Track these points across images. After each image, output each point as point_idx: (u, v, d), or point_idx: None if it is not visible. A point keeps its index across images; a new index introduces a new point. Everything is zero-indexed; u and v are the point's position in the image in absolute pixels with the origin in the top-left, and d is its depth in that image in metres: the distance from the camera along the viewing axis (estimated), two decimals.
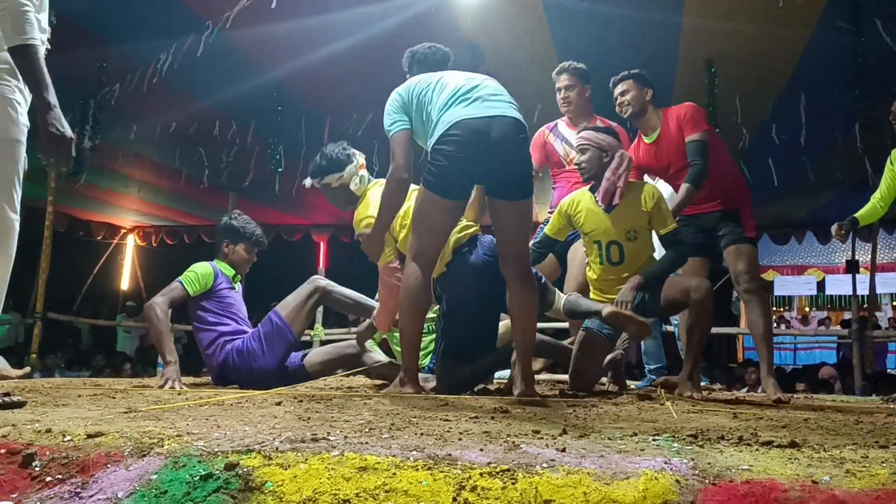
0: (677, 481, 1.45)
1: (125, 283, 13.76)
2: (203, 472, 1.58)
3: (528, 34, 6.07)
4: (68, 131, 2.38)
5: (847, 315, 12.92)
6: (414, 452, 1.61)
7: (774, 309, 15.00)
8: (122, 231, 13.47)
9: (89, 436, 1.80)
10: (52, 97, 2.37)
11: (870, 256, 9.73)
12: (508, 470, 1.51)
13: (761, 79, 6.35)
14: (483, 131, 2.94)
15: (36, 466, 1.66)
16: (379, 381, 4.01)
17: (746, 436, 1.87)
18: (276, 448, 1.66)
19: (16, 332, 10.50)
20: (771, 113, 6.64)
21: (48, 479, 1.62)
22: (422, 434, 1.86)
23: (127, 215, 12.67)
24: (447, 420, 2.18)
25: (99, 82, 7.10)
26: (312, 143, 7.54)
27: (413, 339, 3.17)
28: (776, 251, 13.27)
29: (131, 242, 13.65)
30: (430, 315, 3.73)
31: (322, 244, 13.20)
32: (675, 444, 1.76)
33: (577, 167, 3.80)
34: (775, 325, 13.93)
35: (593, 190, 3.73)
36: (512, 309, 3.16)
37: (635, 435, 1.90)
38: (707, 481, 1.45)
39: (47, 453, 1.70)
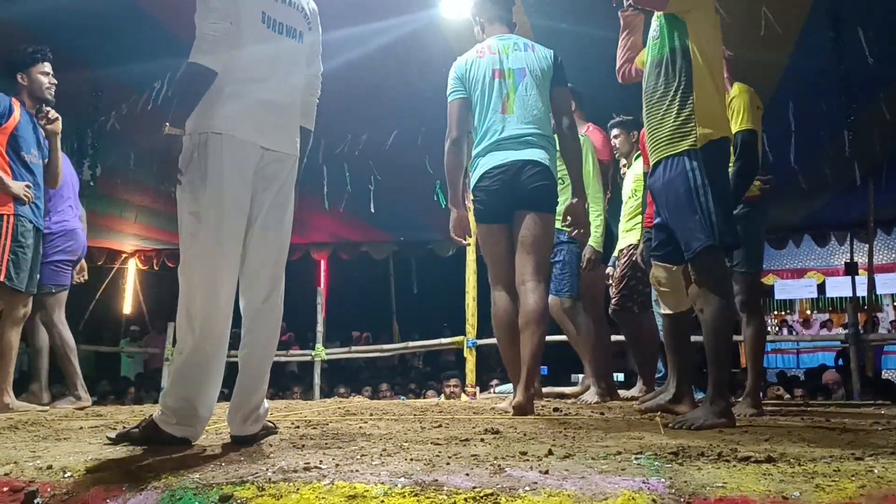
0: (653, 500, 1.50)
1: (128, 308, 13.82)
2: None
3: None
4: None
5: None
6: (402, 479, 1.67)
7: (776, 313, 15.04)
8: (124, 255, 13.54)
9: (89, 471, 1.87)
10: None
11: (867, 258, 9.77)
12: (492, 494, 1.56)
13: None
14: (517, 174, 3.46)
15: (38, 503, 1.72)
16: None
17: (726, 451, 1.92)
18: (269, 479, 1.72)
19: (19, 362, 10.54)
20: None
21: None
22: (411, 459, 1.92)
23: (127, 240, 12.74)
24: (438, 444, 2.24)
25: (95, 110, 7.20)
26: (308, 163, 7.63)
27: (515, 361, 3.45)
28: (775, 255, 13.30)
29: (133, 266, 13.72)
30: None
31: (322, 262, 13.28)
32: (656, 463, 1.82)
33: None
34: (777, 329, 13.96)
35: None
36: (521, 318, 3.41)
37: (619, 454, 1.95)
38: (682, 500, 1.51)
39: (49, 490, 1.76)
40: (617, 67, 3.58)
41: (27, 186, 3.90)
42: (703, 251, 2.79)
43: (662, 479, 1.61)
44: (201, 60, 2.29)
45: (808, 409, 4.04)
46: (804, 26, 5.48)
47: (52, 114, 4.19)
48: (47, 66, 4.10)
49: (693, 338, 3.92)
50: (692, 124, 2.82)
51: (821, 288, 13.99)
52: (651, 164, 3.05)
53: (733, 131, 3.51)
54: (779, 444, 2.17)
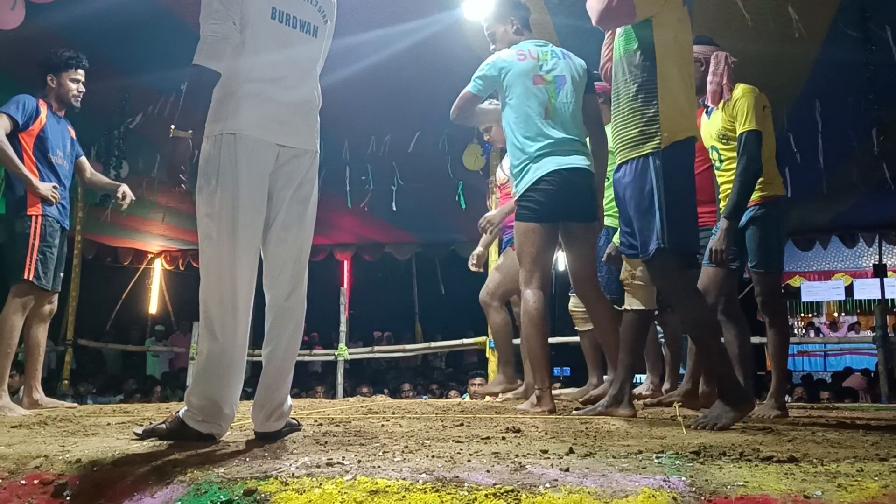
0: (674, 499, 1.51)
1: (153, 307, 13.99)
2: (223, 499, 1.66)
3: None
4: None
5: None
6: (423, 475, 1.69)
7: (802, 315, 14.88)
8: (150, 256, 13.72)
9: (116, 465, 1.90)
10: None
11: None
12: (513, 490, 1.57)
13: (775, 90, 6.37)
14: (569, 180, 3.57)
15: (67, 496, 1.76)
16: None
17: (748, 451, 1.92)
18: (293, 473, 1.74)
19: (48, 360, 10.72)
20: (787, 122, 6.64)
21: None
22: (433, 456, 1.93)
23: (153, 240, 12.91)
24: (459, 441, 2.25)
25: (122, 112, 7.31)
26: (332, 165, 7.69)
27: (543, 359, 3.61)
28: (801, 257, 13.16)
29: (158, 266, 13.90)
30: None
31: (345, 263, 13.36)
32: (678, 462, 1.82)
33: None
34: (803, 331, 13.81)
35: (703, 102, 3.77)
36: (598, 326, 3.71)
37: (640, 452, 1.96)
38: (703, 498, 1.51)
39: (77, 483, 1.80)
40: (600, 66, 3.58)
41: (54, 187, 3.97)
42: (655, 254, 2.80)
43: (683, 478, 1.62)
44: (203, 62, 2.31)
45: (834, 411, 4.00)
46: (831, 24, 5.42)
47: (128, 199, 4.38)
48: (80, 74, 4.16)
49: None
50: (656, 126, 2.80)
51: (849, 290, 13.83)
52: (617, 162, 3.04)
53: (738, 132, 3.51)
54: (802, 444, 2.15)
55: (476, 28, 5.79)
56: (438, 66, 6.38)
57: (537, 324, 3.57)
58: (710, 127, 3.70)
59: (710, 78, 3.62)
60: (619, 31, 3.03)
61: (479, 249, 4.97)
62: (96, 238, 11.89)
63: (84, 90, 4.19)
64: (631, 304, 3.51)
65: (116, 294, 13.14)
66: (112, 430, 2.73)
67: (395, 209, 8.90)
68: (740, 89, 3.56)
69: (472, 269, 5.06)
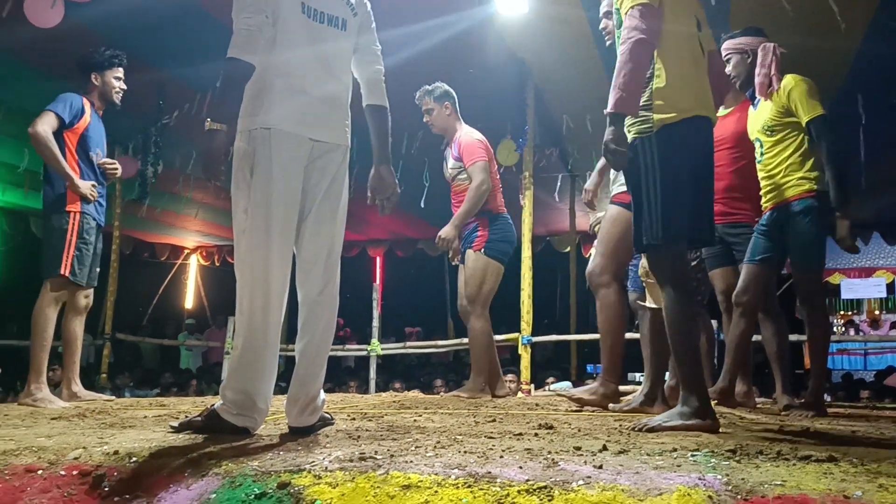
0: (710, 497, 1.48)
1: (189, 302, 14.18)
2: (258, 491, 1.68)
3: (573, 47, 6.10)
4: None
5: None
6: (456, 470, 1.68)
7: (842, 313, 14.60)
8: (186, 251, 13.91)
9: (153, 457, 1.93)
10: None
11: None
12: (545, 487, 1.56)
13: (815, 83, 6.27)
14: None
15: (105, 487, 1.78)
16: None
17: (786, 450, 1.89)
18: (326, 467, 1.75)
19: (86, 353, 10.93)
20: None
21: (116, 498, 1.74)
22: (465, 452, 1.93)
23: (190, 236, 13.07)
24: (492, 437, 2.25)
25: (158, 109, 7.40)
26: (364, 162, 7.70)
27: (620, 355, 3.56)
28: (841, 254, 12.87)
29: (194, 262, 14.08)
30: None
31: (378, 259, 13.41)
32: (713, 460, 1.79)
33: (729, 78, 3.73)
34: (843, 329, 13.55)
35: (752, 95, 3.71)
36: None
37: (675, 450, 1.93)
38: (739, 497, 1.48)
39: (115, 474, 1.83)
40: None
41: (93, 186, 4.03)
42: (650, 247, 2.66)
43: (719, 476, 1.59)
44: (237, 55, 2.33)
45: (874, 410, 3.92)
46: (873, 16, 5.30)
47: (111, 168, 4.31)
48: (120, 72, 4.23)
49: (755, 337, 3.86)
50: (650, 111, 2.63)
51: (890, 287, 13.53)
52: None
53: (804, 121, 3.42)
54: (841, 444, 2.11)
55: (510, 23, 5.77)
56: (471, 62, 6.36)
57: (618, 318, 3.56)
58: (756, 119, 3.64)
59: (757, 69, 3.55)
60: (614, 11, 2.79)
61: (455, 244, 4.70)
62: (134, 234, 12.07)
63: (125, 87, 4.26)
64: (647, 301, 3.47)
65: (153, 289, 13.34)
66: (149, 423, 2.77)
67: (422, 206, 8.90)
68: (790, 79, 3.49)
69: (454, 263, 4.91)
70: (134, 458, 1.91)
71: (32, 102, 7.01)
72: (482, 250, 4.48)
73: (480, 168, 4.51)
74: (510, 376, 7.28)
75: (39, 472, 1.86)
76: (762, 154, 3.61)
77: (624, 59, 2.55)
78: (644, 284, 3.52)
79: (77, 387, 4.21)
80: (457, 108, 4.82)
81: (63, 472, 1.85)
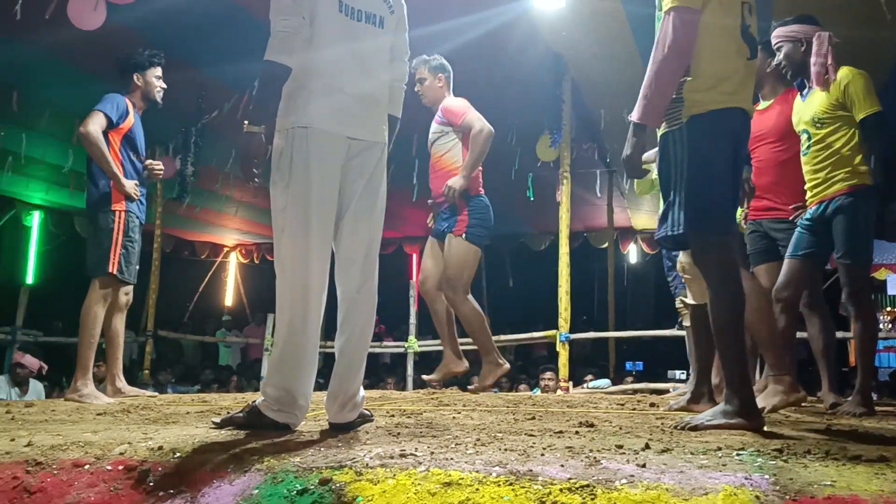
0: (757, 497, 1.45)
1: (229, 300, 14.37)
2: (299, 487, 1.69)
3: (611, 41, 6.05)
4: None
5: None
6: (497, 468, 1.67)
7: (889, 309, 14.27)
8: (225, 249, 14.09)
9: (196, 453, 1.95)
10: None
11: None
12: (588, 486, 1.55)
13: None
14: None
15: (150, 482, 1.81)
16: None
17: (834, 450, 1.84)
18: (367, 464, 1.76)
19: (129, 350, 11.13)
20: None
21: (160, 493, 1.76)
22: (506, 449, 1.92)
23: (229, 234, 13.24)
24: (532, 435, 2.23)
25: (198, 109, 7.50)
26: (400, 161, 7.72)
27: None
28: (888, 248, 12.61)
29: (234, 260, 14.26)
30: None
31: (414, 256, 13.43)
32: (759, 459, 1.76)
33: (777, 67, 3.63)
34: (889, 326, 13.24)
35: (801, 85, 3.62)
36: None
37: (719, 449, 1.90)
38: (788, 497, 1.45)
39: (159, 469, 1.85)
40: None
41: (136, 185, 4.10)
42: (690, 239, 2.56)
43: (766, 476, 1.56)
44: (274, 57, 2.34)
45: None
46: None
47: (157, 169, 4.38)
48: (160, 71, 4.30)
49: (799, 334, 3.78)
50: (681, 103, 2.54)
51: None
52: None
53: (857, 118, 3.34)
54: (892, 444, 2.06)
55: (546, 17, 5.73)
56: (508, 58, 6.34)
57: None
58: (805, 110, 3.55)
59: (813, 59, 3.43)
60: (657, 11, 2.72)
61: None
62: (174, 232, 12.26)
63: (165, 86, 4.32)
64: (689, 299, 3.41)
65: (194, 286, 13.54)
66: (191, 419, 2.81)
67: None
68: (847, 71, 3.40)
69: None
70: (178, 454, 1.94)
71: (77, 105, 7.17)
72: (464, 235, 4.45)
73: (476, 117, 4.49)
74: (548, 374, 7.25)
75: (86, 466, 1.89)
76: (809, 147, 3.53)
77: (654, 72, 2.49)
78: (684, 281, 3.47)
79: (121, 382, 4.28)
80: (450, 83, 4.68)
81: (109, 467, 1.88)
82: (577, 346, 8.97)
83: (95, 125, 3.95)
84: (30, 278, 10.91)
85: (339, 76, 2.46)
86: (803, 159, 3.57)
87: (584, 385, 7.51)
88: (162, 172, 4.38)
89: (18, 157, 8.05)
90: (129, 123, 4.12)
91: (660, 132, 2.61)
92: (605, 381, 7.64)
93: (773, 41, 3.59)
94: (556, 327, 6.74)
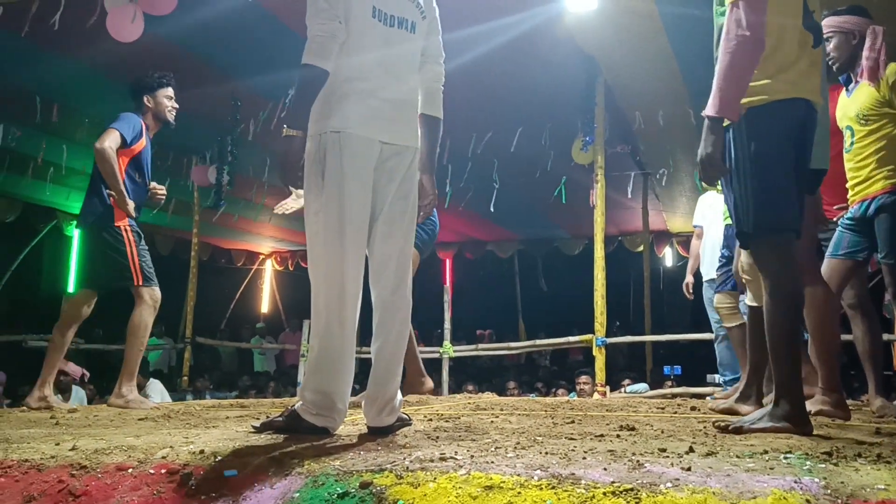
0: (807, 501, 1.42)
1: (265, 307, 14.50)
2: (340, 491, 1.68)
3: (645, 42, 5.99)
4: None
5: None
6: (538, 471, 1.65)
7: None
8: (261, 257, 14.24)
9: (237, 456, 1.96)
10: None
11: None
12: (632, 489, 1.52)
13: None
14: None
15: (192, 485, 1.82)
16: None
17: (886, 453, 1.79)
18: (407, 467, 1.75)
19: (168, 357, 11.28)
20: None
21: (202, 496, 1.76)
22: (546, 453, 1.90)
23: (264, 242, 13.38)
24: (572, 438, 2.21)
25: (234, 119, 7.59)
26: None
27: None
28: None
29: (269, 267, 14.39)
30: None
31: (447, 261, 13.45)
32: (808, 463, 1.72)
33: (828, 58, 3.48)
34: None
35: (847, 80, 3.53)
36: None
37: (765, 452, 1.86)
38: (839, 501, 1.41)
39: (201, 473, 1.86)
40: None
41: (135, 207, 4.14)
42: (751, 238, 2.49)
43: (816, 479, 1.52)
44: (312, 61, 2.35)
45: None
46: None
47: (160, 193, 4.42)
48: (171, 91, 4.36)
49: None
50: None
51: None
52: None
53: None
54: None
55: (579, 20, 5.70)
56: (540, 60, 6.32)
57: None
58: (850, 105, 3.46)
59: (866, 53, 3.33)
60: (715, 5, 2.68)
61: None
62: (211, 240, 12.43)
63: (177, 106, 4.37)
64: (749, 300, 3.35)
65: (230, 294, 13.70)
66: (231, 424, 2.82)
67: (492, 209, 8.88)
68: (893, 67, 3.31)
69: None
70: (219, 457, 1.95)
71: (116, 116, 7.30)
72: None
73: None
74: (584, 377, 7.20)
75: (130, 470, 1.91)
76: (852, 143, 3.45)
77: (728, 61, 2.39)
78: (744, 281, 3.40)
79: (48, 390, 4.20)
80: None
81: (152, 471, 1.89)
82: (613, 351, 8.90)
83: (112, 142, 4.02)
84: (71, 287, 11.13)
85: (372, 81, 2.47)
86: (846, 156, 3.49)
87: (622, 390, 7.44)
88: (164, 197, 4.40)
89: (60, 167, 8.21)
90: (140, 146, 4.20)
91: None
92: (643, 386, 7.56)
93: (824, 32, 3.49)
94: (591, 332, 6.68)
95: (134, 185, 4.21)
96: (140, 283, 4.09)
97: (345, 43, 2.41)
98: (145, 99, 4.29)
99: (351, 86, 2.43)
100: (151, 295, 4.14)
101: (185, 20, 5.36)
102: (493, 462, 1.77)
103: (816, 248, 3.47)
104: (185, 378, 8.59)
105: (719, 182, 2.57)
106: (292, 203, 4.07)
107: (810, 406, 2.94)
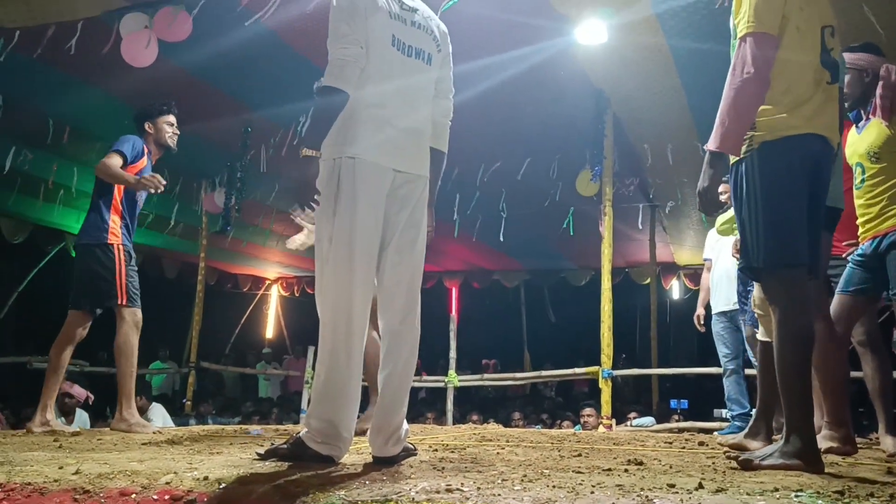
0: None
1: (270, 332, 14.48)
2: None
3: (654, 76, 6.03)
4: None
5: None
6: None
7: None
8: (267, 282, 14.24)
9: (241, 483, 1.94)
10: None
11: None
12: None
13: None
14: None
15: None
16: None
17: None
18: (413, 498, 1.73)
19: (172, 381, 11.25)
20: None
21: None
22: (554, 486, 1.87)
23: (271, 267, 13.40)
24: (580, 472, 2.18)
25: (244, 146, 7.64)
26: (442, 192, 7.76)
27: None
28: None
29: (275, 293, 14.39)
30: None
31: (454, 290, 13.43)
32: (819, 502, 1.69)
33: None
34: None
35: (857, 117, 3.50)
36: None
37: (776, 490, 1.83)
38: None
39: (205, 500, 1.84)
40: None
41: (150, 178, 4.13)
42: (761, 273, 2.48)
43: None
44: (333, 83, 2.37)
45: None
46: None
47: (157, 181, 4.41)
48: (172, 118, 4.43)
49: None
50: (752, 130, 2.46)
51: None
52: None
53: None
54: None
55: (589, 52, 5.74)
56: (550, 92, 6.36)
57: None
58: (860, 143, 3.45)
59: (880, 91, 3.32)
60: (731, 23, 2.63)
61: None
62: (217, 265, 12.44)
63: (178, 132, 4.43)
64: (759, 334, 3.32)
65: (236, 319, 13.68)
66: (235, 450, 2.80)
67: (501, 239, 8.89)
68: None
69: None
70: (223, 484, 1.93)
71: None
72: None
73: None
74: (588, 409, 7.14)
75: (133, 495, 1.89)
76: (862, 181, 3.44)
77: (731, 97, 2.41)
78: (756, 316, 3.38)
79: (51, 414, 4.19)
80: None
81: (155, 497, 1.87)
82: (619, 383, 8.83)
83: (110, 159, 4.08)
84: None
85: (389, 109, 2.48)
86: (856, 193, 3.48)
87: (628, 423, 7.37)
88: (159, 184, 4.21)
89: (69, 190, 8.26)
90: (141, 164, 4.24)
91: (730, 161, 2.53)
92: (649, 419, 7.49)
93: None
94: (596, 363, 6.64)
95: (129, 205, 4.26)
96: (124, 303, 4.12)
97: (364, 69, 2.43)
98: (146, 125, 4.37)
99: (368, 112, 2.44)
100: (133, 316, 4.16)
101: (199, 47, 5.42)
102: (499, 495, 1.75)
103: (826, 283, 3.46)
104: (189, 403, 8.56)
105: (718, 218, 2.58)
106: (304, 238, 4.05)
107: (819, 444, 2.91)
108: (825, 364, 3.02)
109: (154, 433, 3.76)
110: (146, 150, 4.31)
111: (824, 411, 3.11)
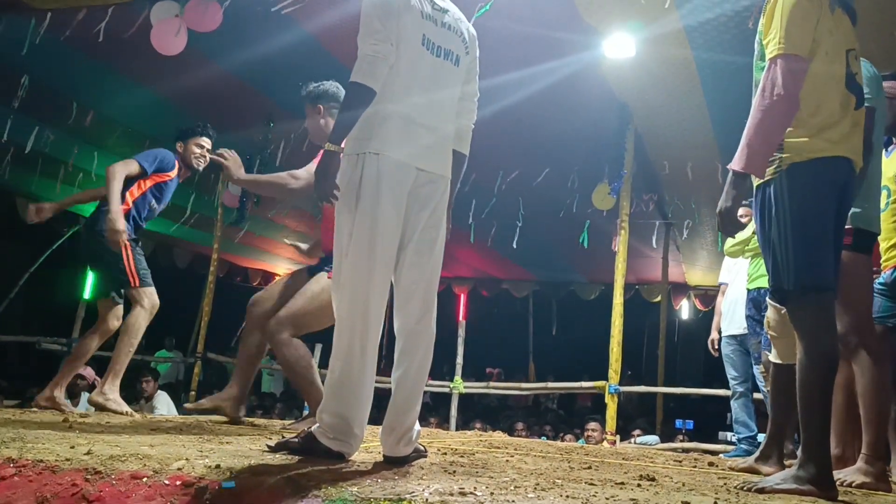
0: None
1: None
2: None
3: (679, 92, 6.01)
4: None
5: None
6: None
7: None
8: (276, 278, 14.24)
9: (253, 474, 1.93)
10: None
11: None
12: None
13: None
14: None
15: (207, 499, 1.79)
16: None
17: None
18: (426, 499, 1.72)
19: (177, 370, 11.25)
20: None
21: None
22: (567, 496, 1.86)
23: (281, 262, 13.41)
24: (592, 484, 2.17)
25: (265, 139, 7.65)
26: (459, 199, 7.76)
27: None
28: None
29: None
30: None
31: (462, 296, 13.40)
32: None
33: None
34: None
35: (888, 141, 3.43)
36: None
37: None
38: None
39: (216, 487, 1.83)
40: None
41: (127, 237, 4.14)
42: (787, 296, 2.44)
43: None
44: (361, 80, 2.36)
45: None
46: None
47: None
48: (203, 141, 4.50)
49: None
50: (780, 151, 2.44)
51: None
52: None
53: None
54: None
55: (615, 66, 5.73)
56: (574, 104, 6.35)
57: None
58: (889, 166, 3.42)
59: None
60: (756, 55, 2.65)
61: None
62: (229, 258, 12.46)
63: (206, 156, 4.46)
64: (773, 357, 3.30)
65: (244, 312, 13.68)
66: (244, 441, 2.80)
67: (514, 246, 8.86)
68: None
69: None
70: (234, 473, 1.92)
71: (150, 126, 7.39)
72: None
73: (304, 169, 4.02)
74: (592, 424, 7.11)
75: (144, 479, 1.89)
76: (888, 204, 3.42)
77: (759, 118, 2.40)
78: (769, 338, 3.36)
79: (59, 393, 4.25)
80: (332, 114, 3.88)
81: (167, 482, 1.87)
82: (623, 400, 8.79)
83: (123, 167, 4.16)
84: (87, 293, 11.17)
85: (415, 108, 2.48)
86: (882, 216, 3.45)
87: (632, 440, 7.33)
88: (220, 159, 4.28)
89: (89, 174, 8.29)
90: (166, 177, 4.36)
91: (756, 183, 2.52)
92: (653, 438, 7.45)
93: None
94: (601, 378, 6.60)
95: (147, 205, 4.35)
96: (137, 285, 4.19)
97: (392, 67, 2.43)
98: (177, 145, 4.49)
99: (394, 109, 2.44)
100: (149, 297, 4.23)
101: (227, 36, 5.43)
102: (514, 501, 1.74)
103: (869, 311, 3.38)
104: (193, 393, 8.55)
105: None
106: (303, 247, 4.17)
107: (851, 476, 2.87)
108: (871, 391, 2.95)
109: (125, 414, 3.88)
110: (178, 165, 4.42)
111: (864, 443, 3.04)
